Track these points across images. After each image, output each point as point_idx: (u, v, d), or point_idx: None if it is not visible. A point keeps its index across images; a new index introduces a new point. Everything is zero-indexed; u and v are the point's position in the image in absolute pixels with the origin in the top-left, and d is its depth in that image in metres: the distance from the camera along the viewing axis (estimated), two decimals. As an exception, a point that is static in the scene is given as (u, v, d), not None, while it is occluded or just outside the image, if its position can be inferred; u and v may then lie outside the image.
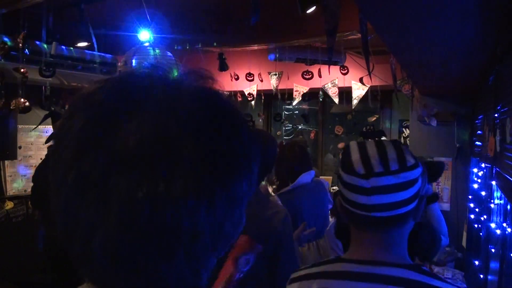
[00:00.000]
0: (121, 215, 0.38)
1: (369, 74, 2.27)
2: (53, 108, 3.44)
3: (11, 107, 3.25)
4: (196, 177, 0.40)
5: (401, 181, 0.87)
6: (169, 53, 2.73)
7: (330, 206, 2.68)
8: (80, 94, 0.44)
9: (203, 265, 0.46)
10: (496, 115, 1.82)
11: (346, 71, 3.92)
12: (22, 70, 3.12)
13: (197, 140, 0.41)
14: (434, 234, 1.64)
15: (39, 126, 3.88)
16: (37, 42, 3.18)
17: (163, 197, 0.38)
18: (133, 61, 2.56)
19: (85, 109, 0.42)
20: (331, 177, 4.49)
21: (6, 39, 3.04)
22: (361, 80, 3.90)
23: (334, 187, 4.28)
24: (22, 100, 3.19)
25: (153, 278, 0.42)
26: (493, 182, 2.02)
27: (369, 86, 3.93)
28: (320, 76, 3.94)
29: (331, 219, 2.96)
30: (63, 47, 3.47)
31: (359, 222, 0.94)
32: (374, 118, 4.70)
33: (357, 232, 0.97)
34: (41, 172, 3.04)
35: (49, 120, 3.37)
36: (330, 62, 2.77)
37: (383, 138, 3.95)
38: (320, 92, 4.24)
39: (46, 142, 3.14)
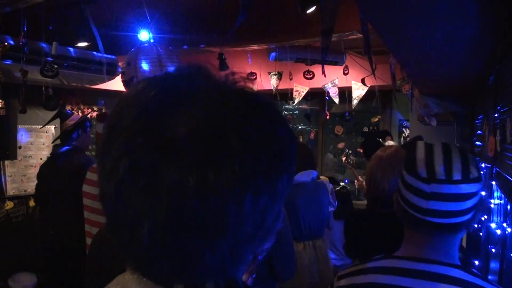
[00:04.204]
0: (172, 203, 0.40)
1: (373, 72, 2.26)
2: (60, 108, 3.44)
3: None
4: (243, 167, 0.41)
5: (461, 192, 0.87)
6: (171, 53, 2.73)
7: (332, 209, 2.67)
8: (130, 91, 0.48)
9: (243, 257, 0.48)
10: (496, 115, 1.82)
11: (347, 71, 3.91)
12: (24, 70, 3.12)
13: (244, 134, 0.43)
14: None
15: (43, 126, 3.88)
16: (40, 43, 3.17)
17: (213, 186, 0.40)
18: (140, 62, 2.56)
19: (137, 103, 0.45)
20: (327, 178, 4.48)
21: (7, 39, 3.03)
22: (363, 81, 3.90)
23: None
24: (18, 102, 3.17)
25: (197, 266, 0.43)
26: (493, 182, 2.02)
27: (372, 86, 3.93)
28: (324, 75, 3.92)
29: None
30: (63, 47, 3.46)
31: (413, 223, 0.95)
32: (377, 119, 4.67)
33: (410, 232, 0.98)
34: (43, 170, 3.04)
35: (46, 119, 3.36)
36: (326, 62, 2.76)
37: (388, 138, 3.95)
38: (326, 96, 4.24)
39: (53, 142, 3.15)
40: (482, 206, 0.94)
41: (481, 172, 0.91)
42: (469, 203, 0.88)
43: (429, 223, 0.90)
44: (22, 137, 4.20)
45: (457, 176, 0.87)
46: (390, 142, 3.81)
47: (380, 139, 3.75)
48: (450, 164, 0.88)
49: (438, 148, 0.92)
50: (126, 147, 0.42)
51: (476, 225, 2.87)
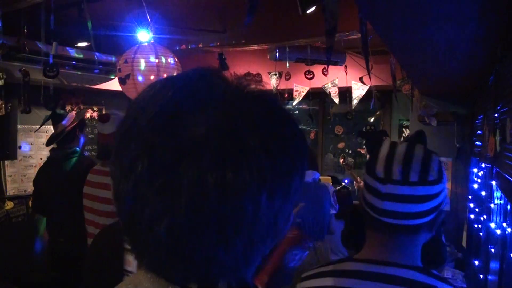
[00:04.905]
0: (190, 201, 0.40)
1: (369, 74, 2.27)
2: (57, 109, 3.37)
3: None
4: (259, 167, 0.42)
5: (418, 194, 0.85)
6: (169, 52, 2.73)
7: (333, 212, 2.66)
8: (146, 91, 0.48)
9: (255, 258, 0.48)
10: (496, 115, 1.82)
11: (347, 71, 3.92)
12: (25, 70, 3.11)
13: (260, 134, 0.44)
14: (440, 244, 1.63)
15: (38, 128, 3.86)
16: (40, 43, 3.17)
17: (231, 185, 0.41)
18: (137, 59, 2.55)
19: (154, 103, 0.45)
20: (330, 177, 4.48)
21: (5, 40, 3.03)
22: (361, 80, 3.90)
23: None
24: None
25: (212, 265, 0.44)
26: (493, 182, 2.02)
27: (370, 86, 3.93)
28: (326, 74, 3.93)
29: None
30: (63, 47, 3.46)
31: (371, 223, 0.94)
32: (373, 118, 4.66)
33: (370, 233, 0.97)
34: (42, 176, 2.93)
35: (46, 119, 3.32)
36: (329, 62, 2.77)
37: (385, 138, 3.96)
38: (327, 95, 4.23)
39: (48, 144, 3.05)
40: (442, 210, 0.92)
41: (443, 174, 0.88)
42: (428, 205, 0.86)
43: (386, 224, 0.89)
44: (23, 144, 4.20)
45: (414, 177, 0.85)
46: None
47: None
48: (409, 165, 0.86)
49: (402, 147, 0.91)
50: (144, 146, 0.42)
51: (476, 225, 2.87)
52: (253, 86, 0.50)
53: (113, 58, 3.97)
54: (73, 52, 3.71)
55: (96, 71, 4.04)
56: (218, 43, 3.68)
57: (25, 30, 2.89)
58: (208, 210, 0.41)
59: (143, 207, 0.42)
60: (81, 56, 3.80)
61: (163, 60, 2.62)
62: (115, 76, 3.74)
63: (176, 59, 2.74)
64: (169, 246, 0.42)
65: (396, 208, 0.86)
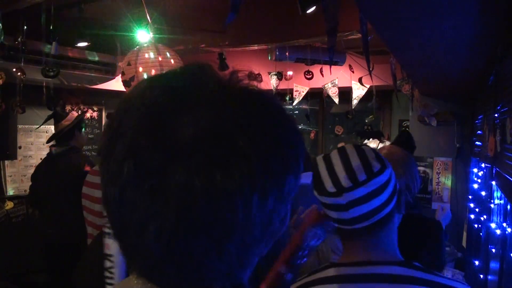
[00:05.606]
0: (179, 205, 0.39)
1: (370, 74, 2.26)
2: (57, 109, 3.43)
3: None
4: (250, 169, 0.41)
5: (373, 189, 0.87)
6: (170, 53, 2.73)
7: None
8: (133, 91, 0.46)
9: (250, 260, 0.47)
10: (496, 115, 1.82)
11: (353, 70, 3.93)
12: (20, 70, 3.12)
13: (251, 134, 0.42)
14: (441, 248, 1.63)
15: (39, 127, 3.88)
16: (40, 43, 3.17)
17: (220, 187, 0.39)
18: (140, 61, 2.56)
19: (141, 103, 0.43)
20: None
21: (5, 40, 3.03)
22: (360, 81, 3.90)
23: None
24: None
25: (204, 270, 0.42)
26: (493, 182, 2.02)
27: (370, 86, 3.93)
28: (323, 74, 3.93)
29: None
30: (63, 47, 3.46)
31: (347, 236, 0.96)
32: (369, 119, 4.63)
33: (348, 242, 0.99)
34: (39, 171, 3.03)
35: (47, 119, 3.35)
36: (331, 62, 2.77)
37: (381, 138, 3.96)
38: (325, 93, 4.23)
39: (48, 142, 3.14)
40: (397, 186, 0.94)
41: (383, 160, 0.91)
42: (387, 192, 0.89)
43: (360, 230, 0.91)
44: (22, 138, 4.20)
45: (362, 176, 0.87)
46: (387, 142, 3.81)
47: (378, 141, 3.76)
48: (350, 168, 0.88)
49: (335, 156, 0.93)
50: (131, 149, 0.40)
51: (476, 225, 2.87)
52: (245, 82, 0.47)
53: (113, 58, 3.97)
54: (73, 52, 3.71)
55: (97, 71, 4.04)
56: (218, 43, 3.68)
57: (25, 30, 2.89)
58: (197, 214, 0.39)
59: (131, 211, 0.40)
60: (81, 56, 3.80)
61: (166, 59, 2.62)
62: (117, 76, 3.74)
63: (178, 58, 2.74)
64: (159, 251, 0.41)
65: (362, 211, 0.88)
